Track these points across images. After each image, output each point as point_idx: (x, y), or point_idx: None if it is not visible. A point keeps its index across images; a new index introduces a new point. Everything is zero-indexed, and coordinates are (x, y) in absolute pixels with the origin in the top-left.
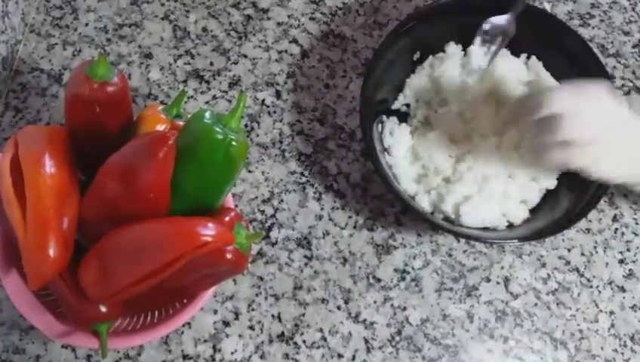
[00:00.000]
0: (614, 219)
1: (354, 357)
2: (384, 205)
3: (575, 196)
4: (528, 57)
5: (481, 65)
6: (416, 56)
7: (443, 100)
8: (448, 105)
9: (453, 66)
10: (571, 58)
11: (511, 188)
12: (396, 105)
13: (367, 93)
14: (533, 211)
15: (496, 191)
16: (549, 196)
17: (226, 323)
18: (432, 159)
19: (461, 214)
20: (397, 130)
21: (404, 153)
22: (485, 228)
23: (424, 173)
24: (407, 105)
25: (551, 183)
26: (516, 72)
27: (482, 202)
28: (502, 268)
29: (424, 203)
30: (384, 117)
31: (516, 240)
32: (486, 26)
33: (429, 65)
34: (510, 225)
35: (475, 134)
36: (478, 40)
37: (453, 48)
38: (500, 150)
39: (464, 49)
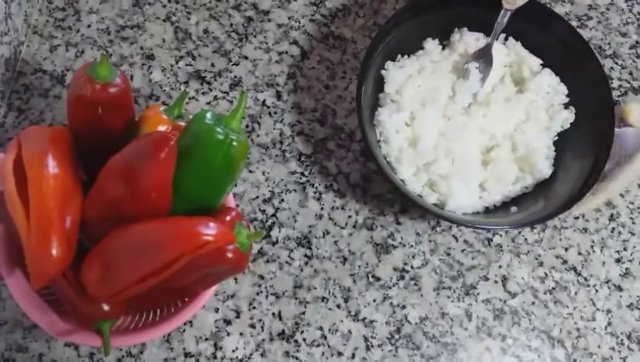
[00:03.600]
0: (611, 218)
1: (353, 355)
2: (384, 205)
3: (570, 182)
4: (506, 38)
5: (475, 90)
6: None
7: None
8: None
9: (430, 61)
10: (570, 53)
11: (501, 174)
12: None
13: (364, 91)
14: (527, 199)
15: (487, 178)
16: (544, 183)
17: (227, 322)
18: (424, 151)
19: (447, 201)
20: (391, 126)
21: (399, 146)
22: (479, 214)
23: (417, 165)
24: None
25: (546, 172)
26: (499, 55)
27: (470, 188)
28: (500, 267)
29: (429, 199)
30: (380, 112)
31: (507, 226)
32: (475, 64)
33: (409, 62)
34: (505, 212)
35: (469, 123)
36: (474, 74)
37: (431, 45)
38: (493, 138)
39: (441, 43)
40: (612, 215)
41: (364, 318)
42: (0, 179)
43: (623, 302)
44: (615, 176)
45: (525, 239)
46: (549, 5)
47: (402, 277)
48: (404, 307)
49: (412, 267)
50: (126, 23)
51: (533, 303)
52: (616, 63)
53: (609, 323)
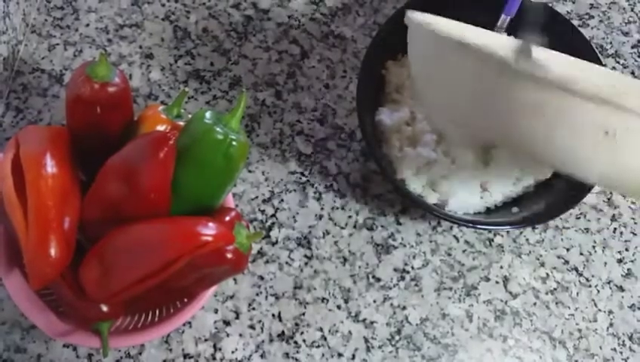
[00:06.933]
0: (613, 218)
1: (354, 356)
2: (384, 205)
3: (571, 181)
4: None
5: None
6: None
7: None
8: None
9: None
10: (571, 53)
11: (502, 173)
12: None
13: (364, 91)
14: (529, 199)
15: (488, 178)
16: (545, 183)
17: (227, 323)
18: (425, 151)
19: (447, 201)
20: (392, 126)
21: (399, 146)
22: (480, 214)
23: (418, 165)
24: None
25: (548, 171)
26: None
27: (471, 188)
28: (501, 267)
29: (429, 199)
30: (380, 111)
31: (508, 226)
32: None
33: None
34: (506, 212)
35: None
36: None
37: None
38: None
39: None
40: (614, 215)
41: (365, 319)
42: None
43: (624, 303)
44: None
45: (527, 239)
46: (550, 4)
47: (403, 278)
48: (404, 308)
49: (413, 267)
50: (125, 22)
51: (534, 304)
52: (618, 63)
53: (611, 324)
